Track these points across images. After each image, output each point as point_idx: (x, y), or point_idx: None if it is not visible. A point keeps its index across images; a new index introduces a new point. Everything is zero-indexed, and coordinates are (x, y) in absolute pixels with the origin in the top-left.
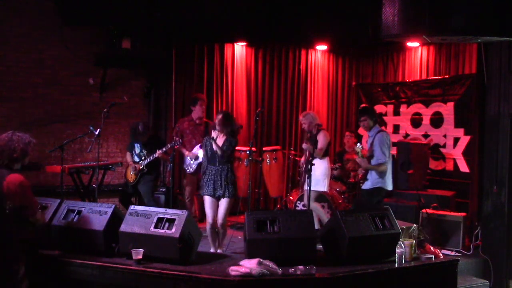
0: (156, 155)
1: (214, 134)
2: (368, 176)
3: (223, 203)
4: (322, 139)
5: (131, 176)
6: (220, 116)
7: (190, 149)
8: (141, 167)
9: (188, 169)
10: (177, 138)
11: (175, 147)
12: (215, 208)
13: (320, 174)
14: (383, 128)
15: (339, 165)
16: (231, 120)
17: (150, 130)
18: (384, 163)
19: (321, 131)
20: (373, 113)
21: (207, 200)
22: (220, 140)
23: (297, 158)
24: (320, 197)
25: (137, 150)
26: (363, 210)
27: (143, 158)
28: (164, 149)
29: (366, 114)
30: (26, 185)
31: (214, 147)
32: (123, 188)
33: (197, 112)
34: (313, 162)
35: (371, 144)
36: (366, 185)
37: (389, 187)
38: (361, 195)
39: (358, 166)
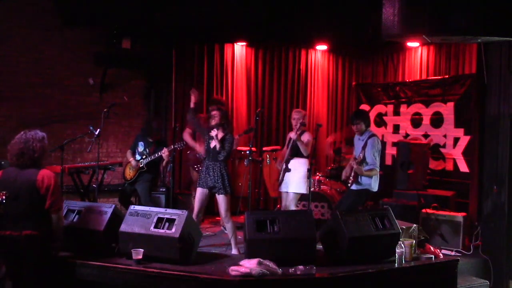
0: (161, 153)
1: (213, 133)
2: (359, 179)
3: (221, 201)
4: (307, 135)
5: (129, 173)
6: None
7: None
8: (141, 165)
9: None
10: (181, 142)
11: (178, 149)
12: (203, 200)
13: (302, 176)
14: (374, 132)
15: (338, 163)
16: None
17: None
18: (375, 168)
19: (306, 132)
20: (367, 117)
21: (198, 191)
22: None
23: None
24: (320, 197)
25: (141, 148)
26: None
27: (144, 157)
28: (172, 147)
29: (360, 118)
30: (57, 181)
31: (213, 144)
32: (122, 187)
33: None
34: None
35: (362, 148)
36: (355, 187)
37: (375, 189)
38: (347, 194)
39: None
